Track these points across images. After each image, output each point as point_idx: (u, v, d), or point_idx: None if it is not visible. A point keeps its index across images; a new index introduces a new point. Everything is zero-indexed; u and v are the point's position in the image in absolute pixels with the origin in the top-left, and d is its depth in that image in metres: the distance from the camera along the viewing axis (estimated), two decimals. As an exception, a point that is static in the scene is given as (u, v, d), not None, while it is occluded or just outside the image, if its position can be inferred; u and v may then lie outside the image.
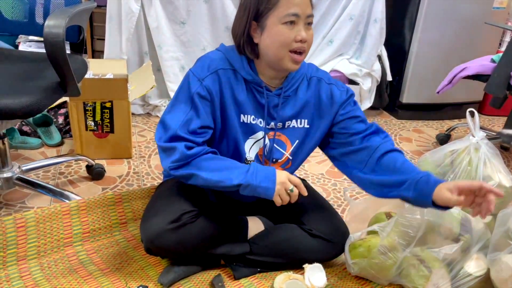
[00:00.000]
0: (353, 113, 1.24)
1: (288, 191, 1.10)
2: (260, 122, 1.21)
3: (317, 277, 1.11)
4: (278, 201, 1.11)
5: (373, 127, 1.24)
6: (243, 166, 1.13)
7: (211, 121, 1.16)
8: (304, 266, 1.13)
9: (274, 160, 1.26)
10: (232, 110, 1.17)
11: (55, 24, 1.08)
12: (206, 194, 1.28)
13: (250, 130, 1.21)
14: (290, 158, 1.27)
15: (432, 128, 2.69)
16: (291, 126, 1.24)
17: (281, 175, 1.11)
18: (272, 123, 1.22)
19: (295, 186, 1.11)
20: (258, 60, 1.16)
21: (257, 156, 1.24)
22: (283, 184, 1.10)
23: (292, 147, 1.25)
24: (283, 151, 1.25)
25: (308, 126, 1.25)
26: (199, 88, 1.12)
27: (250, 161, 1.23)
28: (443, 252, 1.21)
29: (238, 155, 1.22)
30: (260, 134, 1.22)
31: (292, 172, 1.27)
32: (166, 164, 1.13)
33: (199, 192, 1.24)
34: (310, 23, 1.12)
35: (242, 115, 1.19)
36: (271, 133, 1.23)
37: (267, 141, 1.23)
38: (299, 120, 1.24)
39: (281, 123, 1.22)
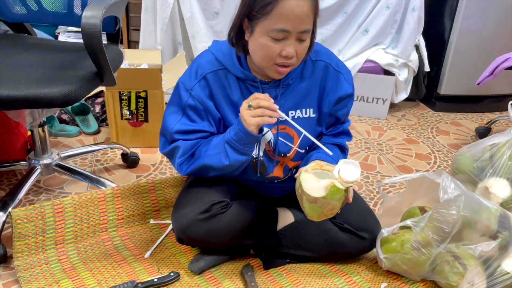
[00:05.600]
0: (342, 112, 1.23)
1: (248, 108, 1.03)
2: None
3: (350, 172, 0.99)
4: (255, 122, 1.03)
5: (342, 129, 1.27)
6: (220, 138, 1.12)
7: (207, 125, 1.15)
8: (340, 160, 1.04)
9: (282, 154, 1.22)
10: (228, 111, 1.15)
11: (92, 15, 1.11)
12: (237, 185, 1.29)
13: None
14: (301, 151, 1.23)
15: (471, 121, 2.59)
16: (295, 116, 1.18)
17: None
18: None
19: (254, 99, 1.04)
20: (249, 56, 1.11)
21: (265, 151, 1.21)
22: (242, 109, 1.04)
23: (300, 139, 1.20)
24: (290, 145, 1.21)
25: (314, 115, 1.20)
26: (189, 99, 1.13)
27: (258, 158, 1.21)
28: (480, 249, 1.17)
29: None
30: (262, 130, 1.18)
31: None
32: (176, 164, 1.17)
33: (229, 183, 1.24)
34: (302, 39, 1.02)
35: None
36: (277, 126, 1.18)
37: (271, 136, 1.19)
38: (303, 110, 1.18)
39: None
